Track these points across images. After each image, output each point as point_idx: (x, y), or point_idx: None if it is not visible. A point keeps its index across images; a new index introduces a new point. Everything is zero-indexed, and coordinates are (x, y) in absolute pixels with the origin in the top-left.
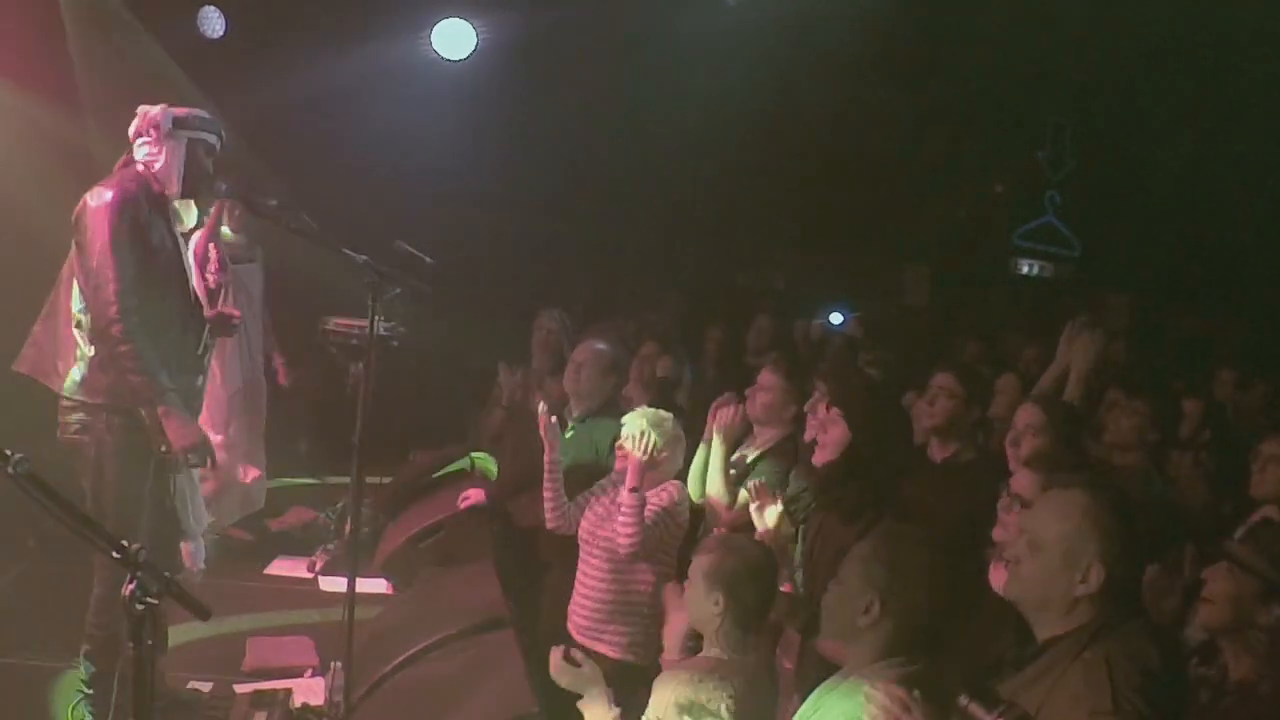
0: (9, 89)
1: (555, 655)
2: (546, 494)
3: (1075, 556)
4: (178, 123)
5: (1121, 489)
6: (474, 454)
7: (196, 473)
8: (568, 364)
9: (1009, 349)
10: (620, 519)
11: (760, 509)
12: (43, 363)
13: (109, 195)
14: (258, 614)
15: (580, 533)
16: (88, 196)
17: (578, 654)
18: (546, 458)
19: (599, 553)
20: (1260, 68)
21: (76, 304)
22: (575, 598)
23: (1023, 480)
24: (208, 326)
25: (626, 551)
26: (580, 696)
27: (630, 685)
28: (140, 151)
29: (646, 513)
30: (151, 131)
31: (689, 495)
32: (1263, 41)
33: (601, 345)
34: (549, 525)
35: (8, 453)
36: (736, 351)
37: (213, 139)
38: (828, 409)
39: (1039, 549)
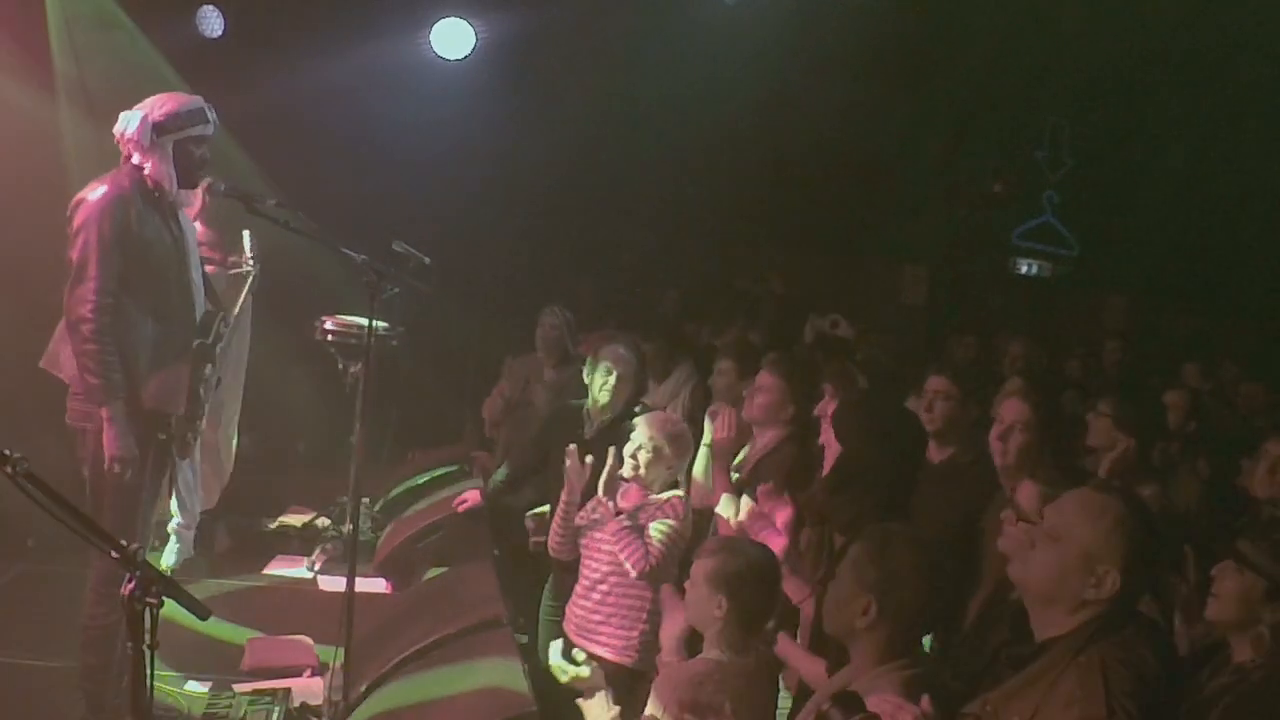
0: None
1: (554, 650)
2: (558, 525)
3: (1094, 560)
4: (159, 129)
5: (1147, 506)
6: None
7: (197, 464)
8: (597, 369)
9: (1004, 347)
10: (621, 548)
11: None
12: (56, 355)
13: (102, 190)
14: (257, 613)
15: (582, 536)
16: (84, 191)
17: (578, 653)
18: (565, 497)
19: (600, 556)
20: (1259, 68)
21: None
22: (574, 598)
23: (1027, 492)
24: (220, 315)
25: (635, 575)
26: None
27: (627, 688)
28: (133, 156)
29: (656, 541)
30: (135, 147)
31: (690, 506)
32: (1262, 42)
33: (625, 352)
34: (551, 551)
35: (7, 452)
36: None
37: (201, 129)
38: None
39: (1058, 541)
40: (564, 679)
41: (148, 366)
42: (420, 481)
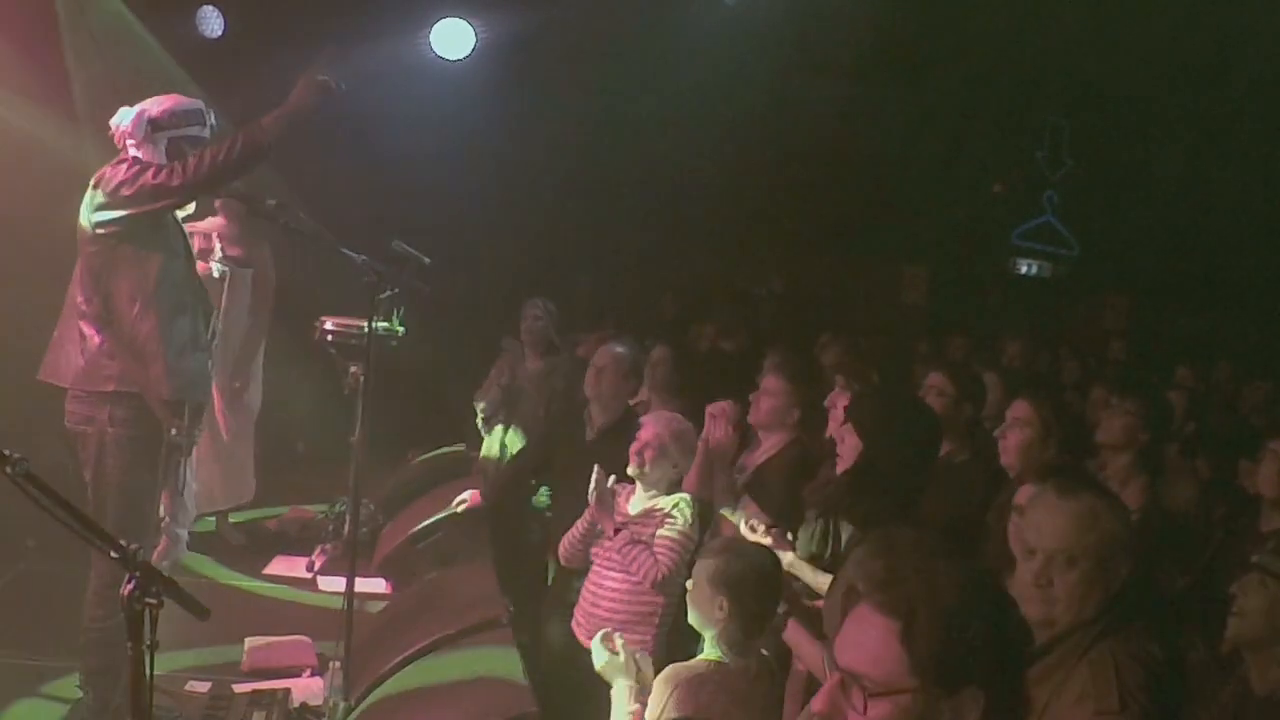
0: (7, 99)
1: (595, 637)
2: (576, 539)
3: (1109, 560)
4: (154, 125)
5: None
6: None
7: (194, 465)
8: (588, 369)
9: (1003, 347)
10: (630, 560)
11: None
12: (54, 363)
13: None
14: (256, 613)
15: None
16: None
17: (616, 641)
18: (588, 515)
19: (612, 564)
20: (1258, 68)
21: (80, 294)
22: (583, 604)
23: (1027, 496)
24: (216, 312)
25: (649, 585)
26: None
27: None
28: (129, 150)
29: (664, 551)
30: (129, 140)
31: (696, 510)
32: (1261, 43)
33: (620, 349)
34: (561, 559)
35: (6, 453)
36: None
37: (196, 129)
38: (844, 420)
39: (1075, 562)
40: (599, 667)
41: (169, 357)
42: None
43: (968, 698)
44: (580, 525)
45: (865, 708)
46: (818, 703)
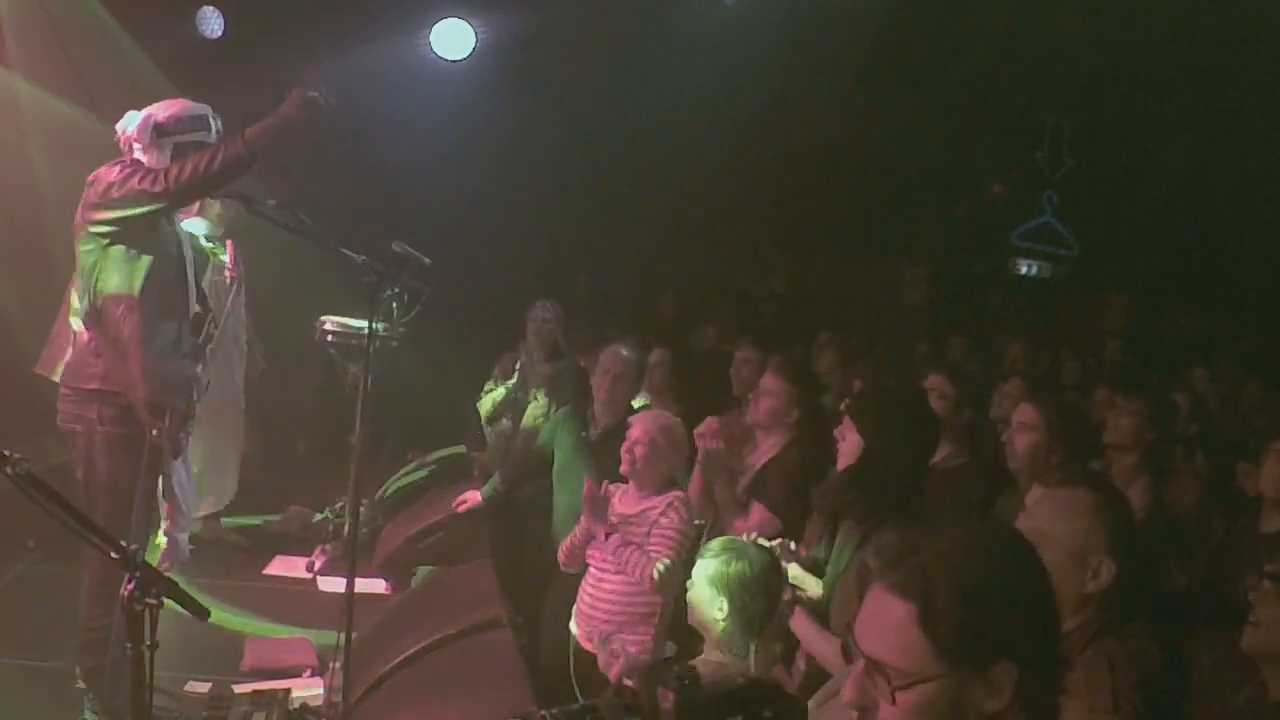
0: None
1: (596, 639)
2: (574, 544)
3: (1085, 553)
4: (160, 130)
5: (1117, 487)
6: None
7: (190, 465)
8: (596, 373)
9: (1004, 348)
10: (624, 561)
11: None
12: (50, 358)
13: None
14: (256, 614)
15: (590, 546)
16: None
17: (616, 643)
18: (585, 520)
19: (610, 565)
20: (1258, 68)
21: (74, 293)
22: (582, 606)
23: (1035, 498)
24: (210, 317)
25: (651, 585)
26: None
27: None
28: (135, 154)
29: (658, 547)
30: (135, 144)
31: (691, 505)
32: (1262, 42)
33: (627, 353)
34: (561, 564)
35: (6, 453)
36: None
37: (202, 135)
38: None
39: (1045, 546)
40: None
41: (148, 359)
42: (421, 475)
43: (1000, 673)
44: (577, 533)
45: (894, 698)
46: (846, 693)
